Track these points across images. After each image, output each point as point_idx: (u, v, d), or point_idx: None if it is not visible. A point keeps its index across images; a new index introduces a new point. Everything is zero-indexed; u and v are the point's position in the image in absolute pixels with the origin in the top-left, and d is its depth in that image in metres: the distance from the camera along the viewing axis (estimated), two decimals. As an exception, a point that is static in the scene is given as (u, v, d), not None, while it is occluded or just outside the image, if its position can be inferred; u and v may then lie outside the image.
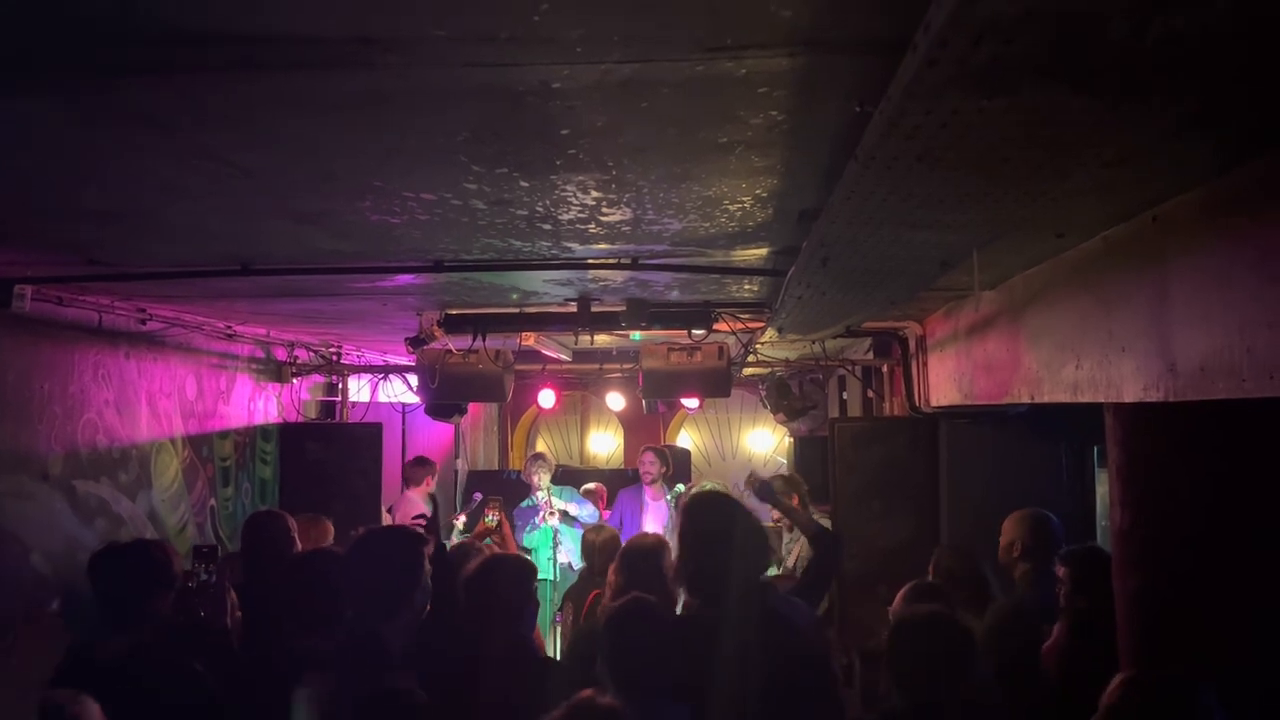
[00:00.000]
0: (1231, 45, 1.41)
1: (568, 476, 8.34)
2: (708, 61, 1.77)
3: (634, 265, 3.76)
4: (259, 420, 6.50)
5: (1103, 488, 5.16)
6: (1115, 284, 2.92)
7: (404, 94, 1.94)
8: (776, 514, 5.60)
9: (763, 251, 3.62)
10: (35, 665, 3.29)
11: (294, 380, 6.88)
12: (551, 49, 1.71)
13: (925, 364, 5.55)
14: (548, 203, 2.82)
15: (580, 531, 7.17)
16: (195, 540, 5.47)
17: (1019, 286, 3.83)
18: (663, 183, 2.62)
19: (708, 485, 6.63)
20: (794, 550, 5.82)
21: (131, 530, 4.85)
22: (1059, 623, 3.48)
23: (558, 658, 4.99)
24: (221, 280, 3.93)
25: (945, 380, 5.15)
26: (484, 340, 5.12)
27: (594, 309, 4.76)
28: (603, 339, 5.92)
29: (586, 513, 7.34)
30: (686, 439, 12.71)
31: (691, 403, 8.19)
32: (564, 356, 6.89)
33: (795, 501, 6.07)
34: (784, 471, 8.03)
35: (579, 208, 2.88)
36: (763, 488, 4.29)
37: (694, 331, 4.93)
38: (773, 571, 4.35)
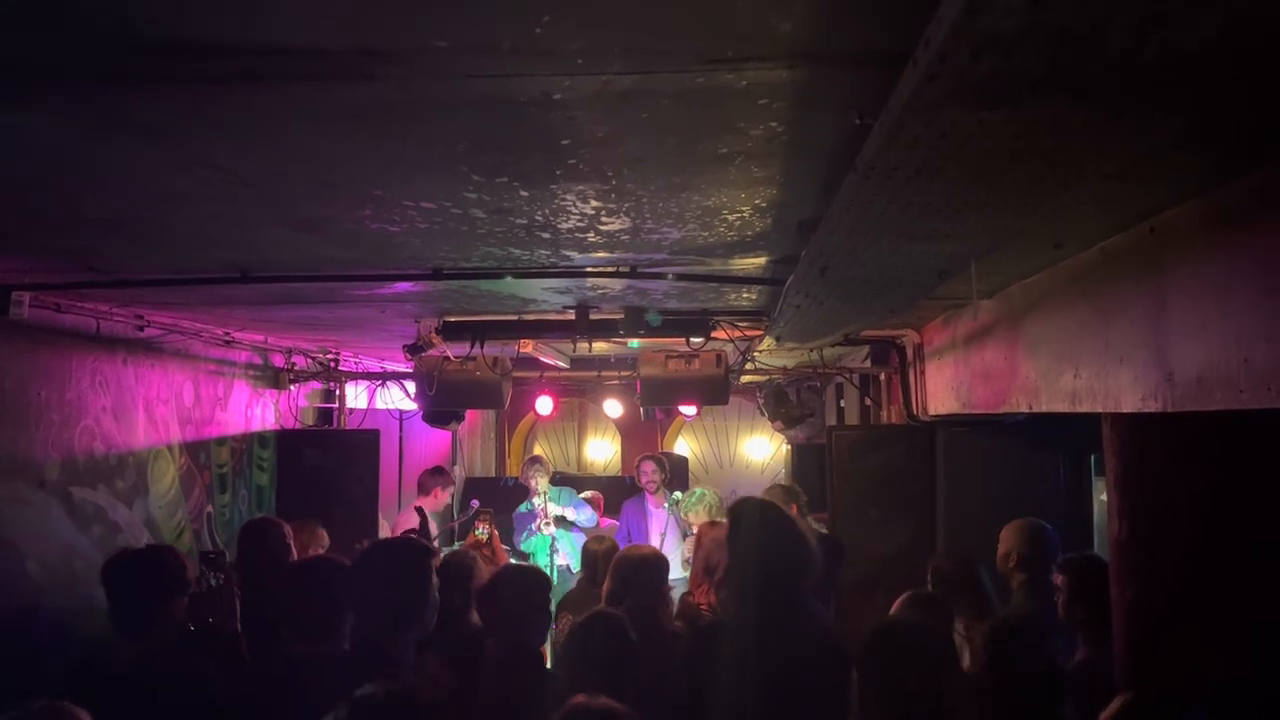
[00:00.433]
0: (1229, 59, 1.42)
1: (565, 484, 8.33)
2: (708, 73, 1.77)
3: (633, 274, 3.76)
4: (256, 427, 6.49)
5: (1100, 497, 5.16)
6: (1113, 294, 2.92)
7: (405, 104, 1.94)
8: None
9: (761, 261, 3.62)
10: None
11: (291, 387, 6.86)
12: (553, 60, 1.71)
13: (923, 372, 5.56)
14: (547, 212, 2.83)
15: (576, 535, 7.18)
16: (191, 546, 5.46)
17: (1017, 296, 3.84)
18: (662, 192, 2.63)
19: (699, 492, 6.62)
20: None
21: (128, 537, 4.84)
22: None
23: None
24: (220, 287, 3.93)
25: (943, 389, 5.15)
26: (482, 347, 5.12)
27: (592, 317, 4.76)
28: (601, 346, 5.94)
29: (584, 517, 7.34)
30: (684, 446, 12.71)
31: (689, 410, 8.18)
32: (562, 364, 6.90)
33: (794, 511, 6.08)
34: (783, 480, 8.04)
35: (578, 217, 2.88)
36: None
37: (692, 339, 4.93)
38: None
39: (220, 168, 2.38)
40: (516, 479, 9.26)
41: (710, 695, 2.96)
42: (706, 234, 3.14)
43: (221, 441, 6.02)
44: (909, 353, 5.74)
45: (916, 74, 1.39)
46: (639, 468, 7.60)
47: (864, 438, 6.00)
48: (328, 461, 6.62)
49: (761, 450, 12.56)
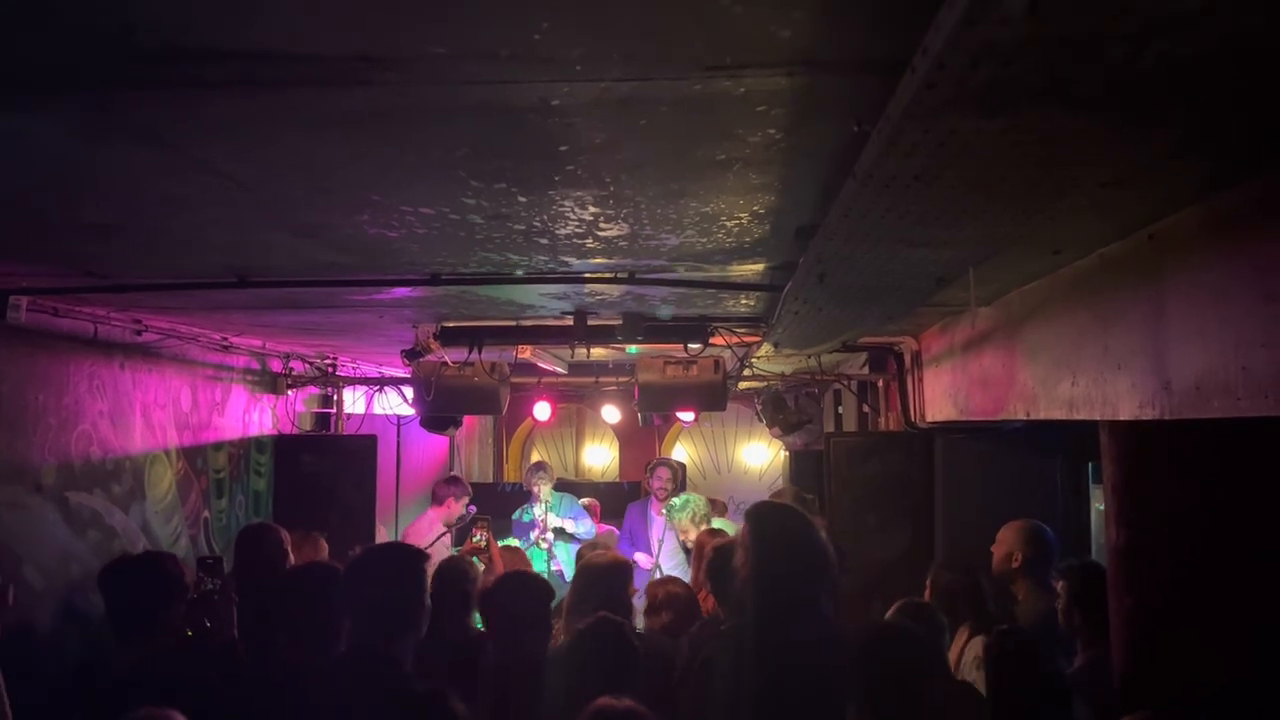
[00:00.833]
0: (1228, 69, 1.42)
1: (563, 489, 8.32)
2: (706, 80, 1.77)
3: (631, 280, 3.76)
4: (254, 432, 6.48)
5: (1098, 504, 5.16)
6: (1112, 301, 2.93)
7: (403, 110, 1.94)
8: None
9: (759, 267, 3.62)
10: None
11: (289, 392, 6.86)
12: (551, 67, 1.71)
13: (921, 379, 5.56)
14: (545, 218, 2.83)
15: (574, 545, 7.15)
16: (188, 552, 5.45)
17: (1015, 303, 3.84)
18: (660, 199, 2.63)
19: (685, 498, 6.60)
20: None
21: (124, 542, 4.83)
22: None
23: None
24: (218, 292, 3.93)
25: (941, 395, 5.15)
26: (480, 353, 5.11)
27: (590, 323, 4.76)
28: (599, 352, 5.93)
29: (584, 529, 7.31)
30: (681, 452, 12.70)
31: (687, 416, 8.18)
32: (560, 369, 6.89)
33: None
34: (780, 485, 8.02)
35: (576, 223, 2.88)
36: None
37: (690, 345, 4.93)
38: None
39: (218, 172, 2.38)
40: (515, 485, 9.25)
41: (723, 700, 2.96)
42: (705, 240, 3.14)
43: (219, 447, 6.02)
44: (907, 359, 5.74)
45: (915, 82, 1.40)
46: (654, 472, 7.54)
47: (862, 444, 6.00)
48: (325, 467, 6.61)
49: (759, 457, 12.55)
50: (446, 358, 5.40)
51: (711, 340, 4.91)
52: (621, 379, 7.13)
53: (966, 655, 3.89)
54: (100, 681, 2.99)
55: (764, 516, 3.30)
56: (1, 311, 3.87)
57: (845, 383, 6.95)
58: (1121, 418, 2.84)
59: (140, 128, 2.05)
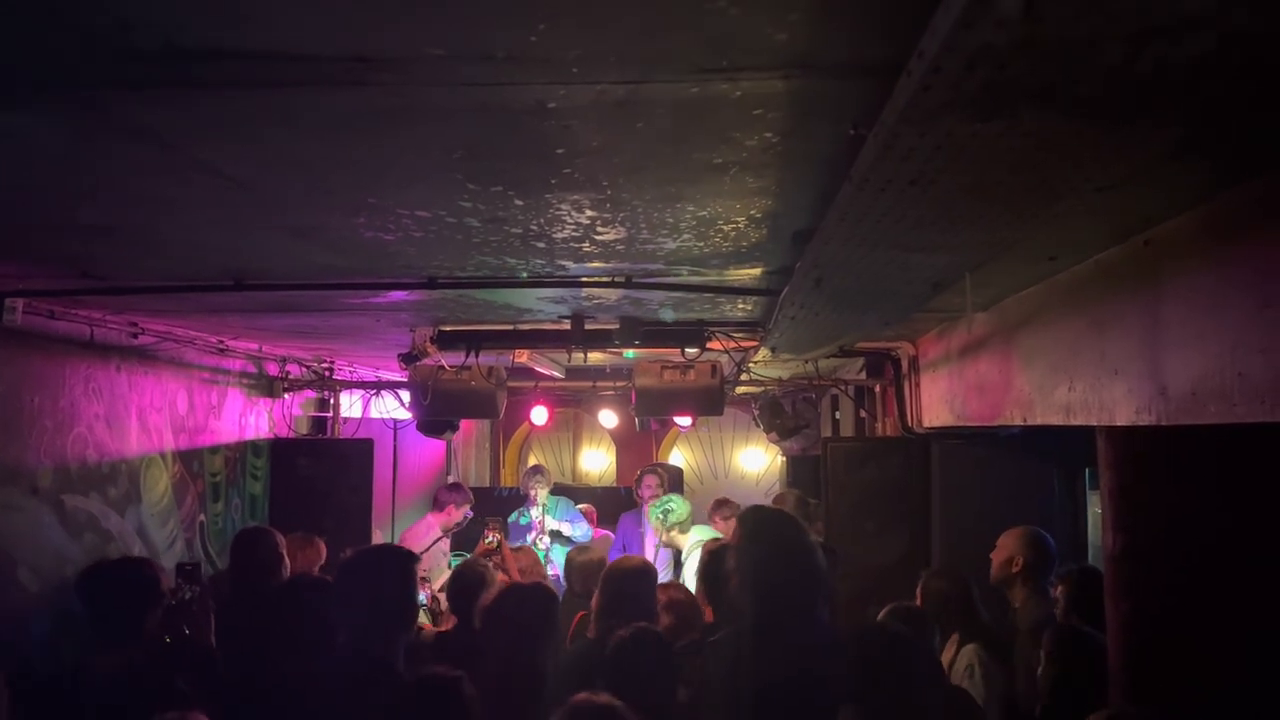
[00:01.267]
0: (1226, 72, 1.42)
1: (560, 493, 8.31)
2: (703, 83, 1.77)
3: (628, 284, 3.76)
4: (250, 435, 6.47)
5: (1094, 510, 5.16)
6: (1108, 306, 2.93)
7: (400, 111, 1.94)
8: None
9: (756, 271, 3.62)
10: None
11: (286, 395, 6.85)
12: (548, 69, 1.71)
13: (918, 384, 5.56)
14: (542, 221, 2.83)
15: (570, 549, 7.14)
16: (184, 556, 5.44)
17: (1012, 308, 3.84)
18: (657, 202, 2.63)
19: (668, 500, 6.58)
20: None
21: (120, 546, 4.82)
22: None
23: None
24: (215, 295, 3.92)
25: (938, 401, 5.15)
26: (477, 357, 5.11)
27: (587, 327, 4.75)
28: (596, 356, 5.93)
29: (580, 532, 7.30)
30: (679, 457, 12.68)
31: (684, 421, 8.18)
32: (557, 373, 6.89)
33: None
34: (780, 489, 8.01)
35: (573, 226, 2.88)
36: None
37: (687, 350, 4.93)
38: None
39: (215, 173, 2.38)
40: (512, 489, 9.23)
41: (723, 707, 2.95)
42: (702, 244, 3.14)
43: (215, 450, 6.00)
44: (904, 365, 5.74)
45: (911, 85, 1.40)
46: (641, 480, 7.55)
47: (859, 449, 6.00)
48: (321, 471, 6.60)
49: (756, 462, 12.53)
50: (443, 361, 5.39)
51: (709, 345, 4.90)
52: (619, 383, 7.13)
53: (958, 663, 3.87)
54: (72, 685, 2.98)
55: (757, 521, 3.27)
56: (-3, 313, 3.87)
57: (842, 388, 6.95)
58: (1118, 423, 2.84)
59: (137, 128, 2.05)
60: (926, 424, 5.44)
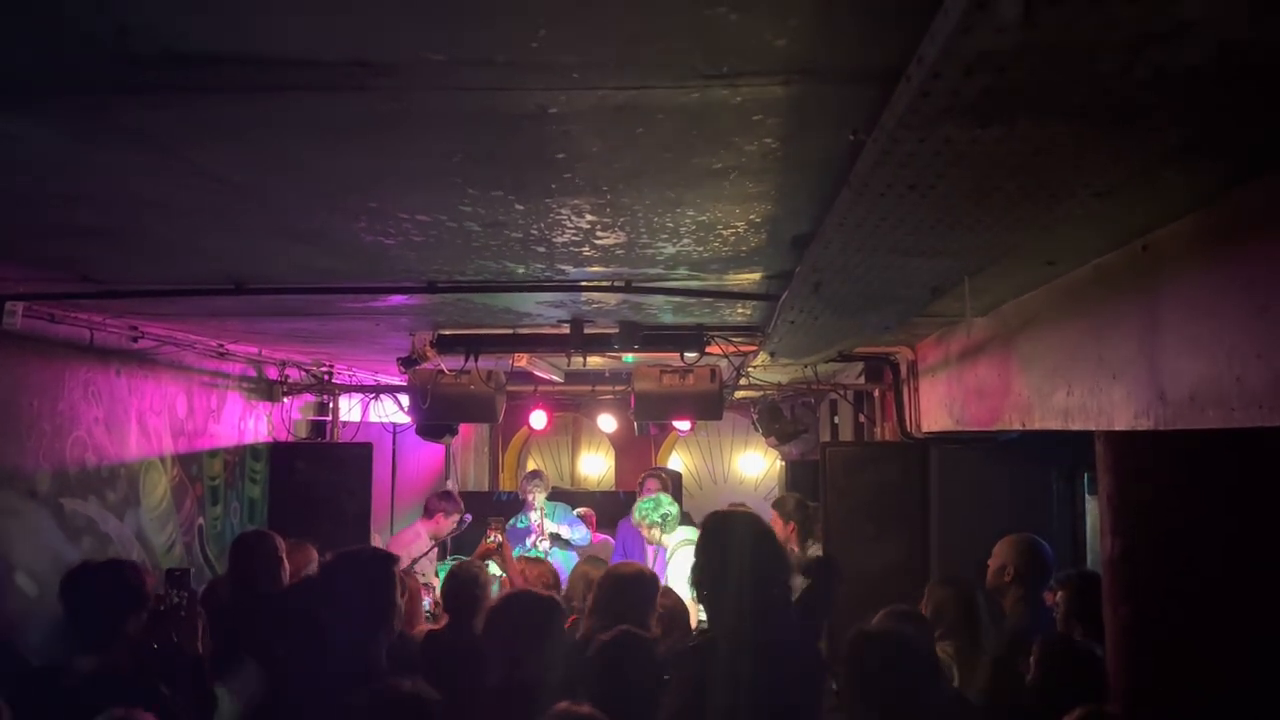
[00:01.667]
0: (1224, 78, 1.43)
1: (558, 498, 8.30)
2: (703, 89, 1.78)
3: (627, 288, 3.76)
4: (249, 439, 6.47)
5: (1093, 514, 5.16)
6: (1106, 311, 2.93)
7: (399, 116, 1.94)
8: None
9: (756, 276, 3.63)
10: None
11: (285, 399, 6.85)
12: (549, 74, 1.72)
13: (917, 389, 5.57)
14: (542, 225, 2.83)
15: (572, 554, 7.14)
16: (183, 560, 5.43)
17: (1010, 313, 3.84)
18: (657, 207, 2.63)
19: (653, 500, 6.58)
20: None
21: (118, 549, 4.82)
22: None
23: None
24: (214, 299, 3.92)
25: (936, 406, 5.16)
26: (476, 361, 5.11)
27: (587, 331, 4.76)
28: (595, 361, 5.92)
29: (579, 535, 7.30)
30: (678, 461, 12.68)
31: (683, 425, 8.17)
32: (556, 378, 6.89)
33: (792, 529, 6.08)
34: (779, 493, 8.01)
35: (573, 231, 2.89)
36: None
37: (686, 354, 4.93)
38: None
39: (215, 177, 2.38)
40: (511, 493, 9.22)
41: (700, 710, 2.96)
42: (701, 249, 3.14)
43: (214, 454, 6.00)
44: (903, 369, 5.75)
45: (910, 90, 1.40)
46: (643, 485, 7.54)
47: (858, 454, 6.01)
48: (320, 474, 6.59)
49: (756, 466, 12.53)
50: (443, 365, 5.39)
51: (708, 349, 4.91)
52: (618, 388, 7.13)
53: (959, 673, 3.87)
54: (49, 688, 2.97)
55: (710, 529, 3.34)
56: (-3, 317, 3.87)
57: (841, 392, 6.95)
58: (1116, 428, 2.84)
59: (137, 132, 2.05)
60: (925, 429, 5.45)
